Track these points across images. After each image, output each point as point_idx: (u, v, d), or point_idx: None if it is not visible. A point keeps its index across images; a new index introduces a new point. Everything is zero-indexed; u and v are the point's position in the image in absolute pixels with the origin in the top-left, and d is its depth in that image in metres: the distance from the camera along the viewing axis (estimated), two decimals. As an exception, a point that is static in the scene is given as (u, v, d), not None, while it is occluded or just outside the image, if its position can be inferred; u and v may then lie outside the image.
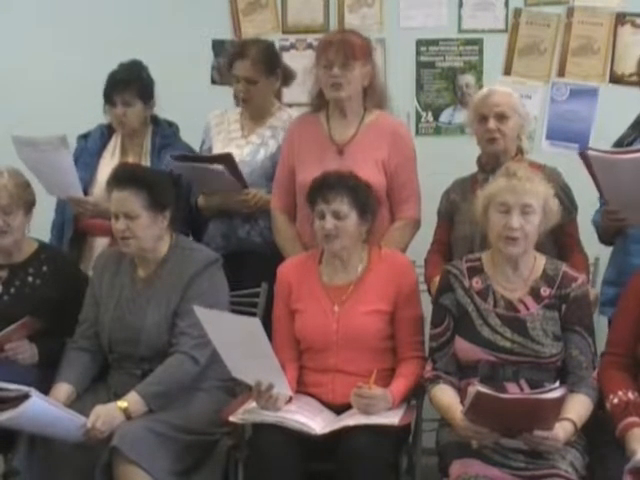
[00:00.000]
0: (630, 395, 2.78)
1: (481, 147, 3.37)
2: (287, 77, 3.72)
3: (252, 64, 3.58)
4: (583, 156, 2.96)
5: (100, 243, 3.66)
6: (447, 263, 3.13)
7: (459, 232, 3.36)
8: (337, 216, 3.05)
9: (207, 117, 3.79)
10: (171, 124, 3.81)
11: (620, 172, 2.94)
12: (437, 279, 3.14)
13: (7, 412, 2.77)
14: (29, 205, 3.33)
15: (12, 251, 3.32)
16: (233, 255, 3.45)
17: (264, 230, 3.57)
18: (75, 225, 3.72)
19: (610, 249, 3.39)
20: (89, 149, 3.77)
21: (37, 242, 3.39)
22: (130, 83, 3.66)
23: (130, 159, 3.71)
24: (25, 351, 3.16)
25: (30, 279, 3.30)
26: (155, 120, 3.78)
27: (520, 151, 3.36)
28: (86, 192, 3.66)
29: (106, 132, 3.81)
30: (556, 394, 2.60)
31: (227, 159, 3.44)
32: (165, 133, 3.76)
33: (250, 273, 3.47)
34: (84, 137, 3.82)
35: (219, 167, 3.42)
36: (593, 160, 2.94)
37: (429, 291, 3.33)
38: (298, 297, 3.15)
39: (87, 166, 3.69)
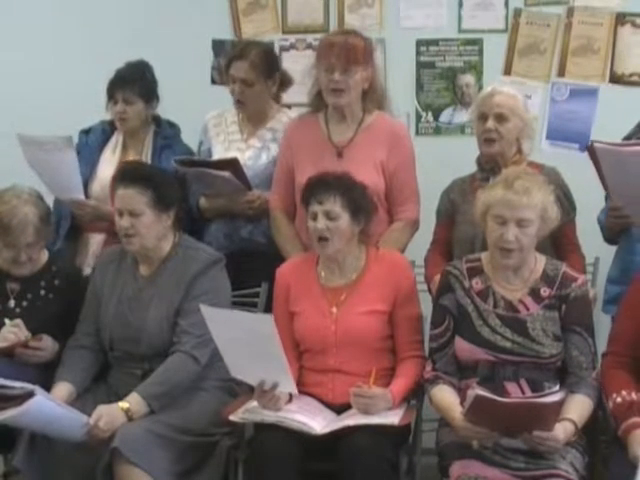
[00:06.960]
0: (634, 395, 2.76)
1: (479, 146, 3.36)
2: (285, 82, 3.70)
3: (250, 66, 3.57)
4: (590, 149, 2.95)
5: (96, 240, 3.68)
6: (447, 263, 3.12)
7: (460, 233, 3.36)
8: (329, 217, 3.04)
9: (204, 118, 3.78)
10: (173, 125, 3.81)
11: (627, 165, 2.93)
12: (437, 278, 3.14)
13: (11, 410, 2.76)
14: (49, 234, 3.32)
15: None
16: (236, 255, 3.44)
17: (267, 230, 3.55)
18: (71, 221, 3.72)
19: (610, 248, 3.38)
20: (90, 145, 3.78)
21: (46, 252, 3.35)
22: (132, 81, 3.67)
23: (131, 157, 3.71)
24: (44, 349, 3.15)
25: (42, 292, 3.28)
26: (157, 120, 3.79)
27: (519, 152, 3.34)
28: (86, 187, 3.66)
29: (108, 129, 3.82)
30: (555, 398, 2.60)
31: (233, 164, 3.43)
32: (167, 134, 3.77)
33: (254, 273, 3.45)
34: (86, 132, 3.82)
35: (225, 174, 3.41)
36: (600, 153, 2.92)
37: (429, 290, 3.33)
38: (296, 299, 3.15)
39: (87, 162, 3.69)
